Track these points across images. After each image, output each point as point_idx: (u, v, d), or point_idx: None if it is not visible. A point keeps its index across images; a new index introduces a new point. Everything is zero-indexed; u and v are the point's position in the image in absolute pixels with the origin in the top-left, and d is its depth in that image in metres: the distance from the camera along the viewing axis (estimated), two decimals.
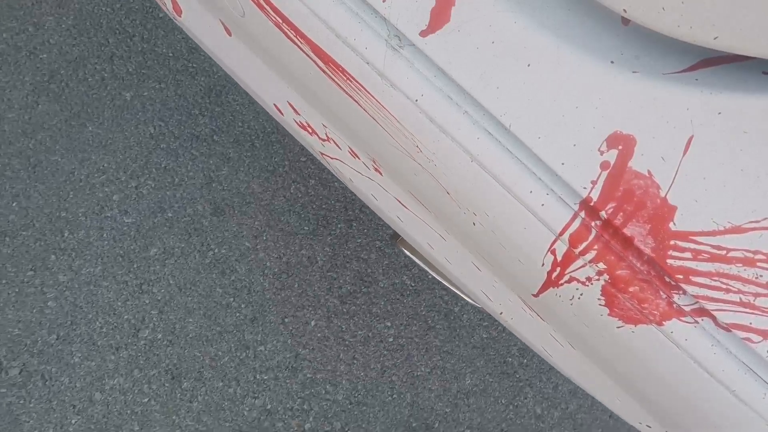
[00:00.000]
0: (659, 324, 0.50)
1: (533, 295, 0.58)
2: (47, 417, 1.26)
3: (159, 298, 1.39)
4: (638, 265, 0.50)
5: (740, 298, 0.48)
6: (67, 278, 1.34)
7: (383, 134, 0.57)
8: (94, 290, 1.36)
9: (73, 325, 1.32)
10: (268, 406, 1.38)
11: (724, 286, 0.48)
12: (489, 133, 0.51)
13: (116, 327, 1.34)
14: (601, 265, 0.50)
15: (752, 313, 0.48)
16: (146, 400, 1.32)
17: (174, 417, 1.31)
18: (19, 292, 1.31)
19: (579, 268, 0.52)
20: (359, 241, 1.53)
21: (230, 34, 0.71)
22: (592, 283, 0.52)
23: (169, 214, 1.43)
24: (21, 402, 1.25)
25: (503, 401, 1.50)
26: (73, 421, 1.27)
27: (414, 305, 1.52)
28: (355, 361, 1.46)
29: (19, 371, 1.27)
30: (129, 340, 1.34)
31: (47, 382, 1.28)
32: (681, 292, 0.49)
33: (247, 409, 1.36)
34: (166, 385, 1.33)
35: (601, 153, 0.49)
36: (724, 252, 0.47)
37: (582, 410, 1.53)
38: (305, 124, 0.70)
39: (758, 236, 0.47)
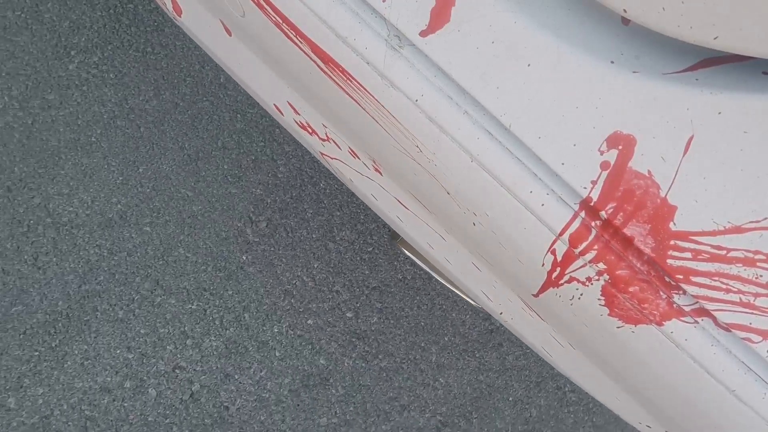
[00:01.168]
0: (659, 324, 0.50)
1: (533, 295, 0.58)
2: (294, 262, 1.51)
3: None
4: (638, 265, 0.50)
5: (740, 298, 0.48)
6: (291, 148, 1.55)
7: (383, 134, 0.57)
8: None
9: (302, 186, 1.54)
10: None
11: (724, 286, 0.48)
12: (489, 133, 0.51)
13: (337, 189, 1.56)
14: (601, 265, 0.51)
15: (752, 313, 0.48)
16: (371, 249, 1.55)
17: (395, 263, 1.55)
18: (255, 159, 1.53)
19: (579, 268, 0.52)
20: None
21: (230, 34, 0.71)
22: (592, 283, 0.52)
23: None
24: (271, 249, 1.50)
25: None
26: (315, 266, 1.51)
27: None
28: None
29: (266, 224, 1.51)
30: (349, 199, 1.56)
31: (289, 234, 1.51)
32: (681, 292, 0.49)
33: None
34: (385, 237, 1.57)
35: (601, 153, 0.49)
36: (724, 252, 0.47)
37: None
38: (305, 124, 0.70)
39: (758, 236, 0.47)
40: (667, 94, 0.49)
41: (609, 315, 0.52)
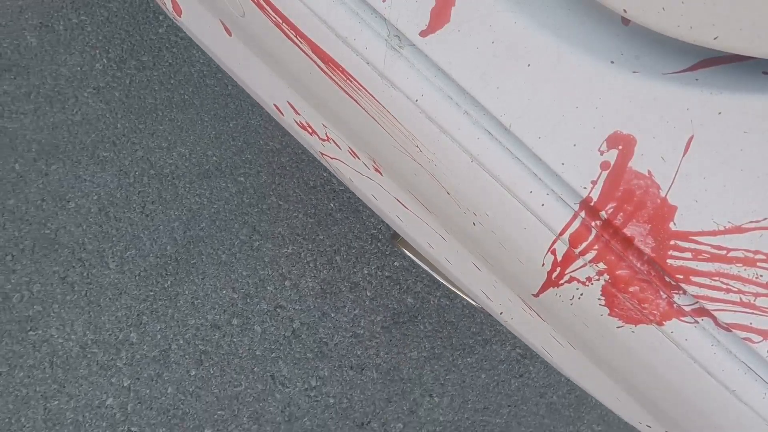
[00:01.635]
0: (659, 324, 0.50)
1: (533, 295, 0.58)
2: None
3: None
4: (638, 265, 0.50)
5: (740, 298, 0.48)
6: None
7: (383, 134, 0.57)
8: None
9: None
10: None
11: (725, 286, 0.48)
12: (489, 133, 0.51)
13: None
14: (601, 265, 0.51)
15: (752, 313, 0.48)
16: None
17: None
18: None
19: (579, 268, 0.52)
20: None
21: (230, 34, 0.71)
22: (592, 283, 0.52)
23: None
24: (356, 197, 1.52)
25: None
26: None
27: None
28: None
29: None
30: None
31: None
32: (681, 292, 0.49)
33: None
34: None
35: (601, 153, 0.49)
36: (725, 252, 0.47)
37: None
38: (305, 124, 0.70)
39: (758, 236, 0.47)
40: (667, 94, 0.49)
41: (609, 315, 0.52)
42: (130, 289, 1.43)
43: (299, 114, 0.70)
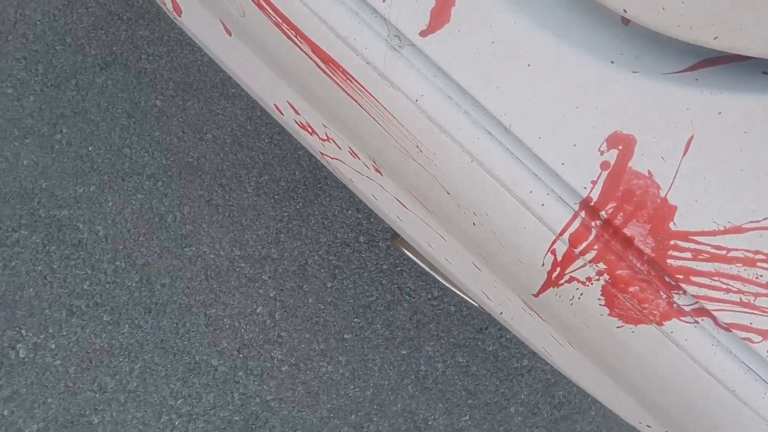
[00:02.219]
0: (659, 324, 0.50)
1: (533, 295, 0.58)
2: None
3: None
4: (638, 265, 0.50)
5: (740, 298, 0.48)
6: None
7: (383, 134, 0.57)
8: None
9: None
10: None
11: (725, 286, 0.48)
12: (489, 133, 0.51)
13: None
14: (601, 265, 0.51)
15: (752, 313, 0.48)
16: None
17: None
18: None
19: (579, 268, 0.52)
20: None
21: (230, 34, 0.71)
22: (592, 283, 0.52)
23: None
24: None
25: None
26: None
27: None
28: None
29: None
30: None
31: None
32: (681, 292, 0.49)
33: None
34: None
35: (601, 153, 0.49)
36: (724, 252, 0.47)
37: None
38: (305, 124, 0.70)
39: (758, 236, 0.47)
40: (667, 94, 0.49)
41: (609, 315, 0.52)
42: (267, 211, 1.58)
43: (299, 114, 0.70)
